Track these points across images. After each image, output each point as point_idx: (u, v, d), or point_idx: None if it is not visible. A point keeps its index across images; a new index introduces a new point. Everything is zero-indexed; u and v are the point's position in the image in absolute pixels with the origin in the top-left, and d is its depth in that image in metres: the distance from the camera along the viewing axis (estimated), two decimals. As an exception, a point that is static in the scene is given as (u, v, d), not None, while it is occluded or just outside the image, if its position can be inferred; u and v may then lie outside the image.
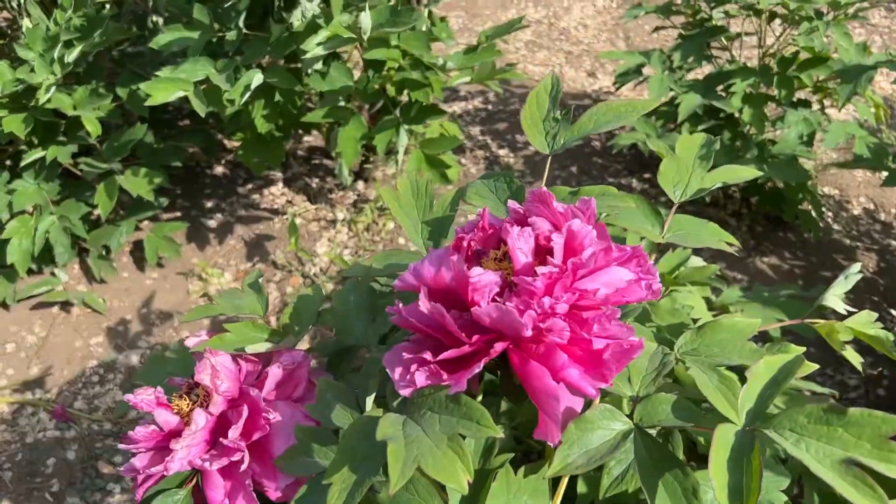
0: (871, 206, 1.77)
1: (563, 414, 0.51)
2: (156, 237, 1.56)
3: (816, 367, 0.59)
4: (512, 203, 0.56)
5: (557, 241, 0.50)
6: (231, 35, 1.19)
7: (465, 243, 0.54)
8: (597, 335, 0.49)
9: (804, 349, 0.60)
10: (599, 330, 0.49)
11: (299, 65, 1.24)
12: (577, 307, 0.51)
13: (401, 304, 0.52)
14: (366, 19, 1.03)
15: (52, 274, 1.53)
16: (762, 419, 0.48)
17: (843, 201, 1.79)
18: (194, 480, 0.63)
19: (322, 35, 1.06)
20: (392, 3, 1.25)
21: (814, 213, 1.60)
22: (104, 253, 1.55)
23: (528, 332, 0.47)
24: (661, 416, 0.52)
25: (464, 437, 0.47)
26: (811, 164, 1.78)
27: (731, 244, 0.69)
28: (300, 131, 1.74)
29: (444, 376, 0.49)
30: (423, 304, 0.50)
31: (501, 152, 1.96)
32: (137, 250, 1.62)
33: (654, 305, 0.97)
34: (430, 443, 0.47)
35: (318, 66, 1.26)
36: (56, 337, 1.46)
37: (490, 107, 2.16)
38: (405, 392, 0.50)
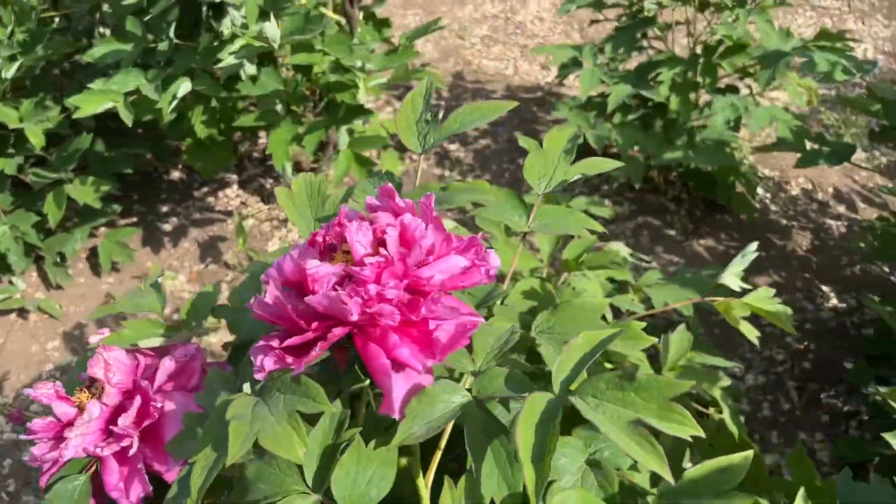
0: (809, 186, 1.82)
1: (411, 390, 0.57)
2: (109, 243, 1.61)
3: (652, 340, 0.64)
4: (370, 199, 0.61)
5: (391, 234, 0.55)
6: (163, 46, 1.24)
7: (319, 239, 0.59)
8: (426, 317, 0.54)
9: (644, 324, 0.65)
10: (427, 312, 0.54)
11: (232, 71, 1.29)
12: (416, 292, 0.56)
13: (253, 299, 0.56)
14: (271, 28, 1.08)
15: (10, 282, 1.58)
16: (580, 389, 0.53)
17: (782, 182, 1.84)
18: (94, 467, 0.68)
19: (237, 44, 1.11)
20: (326, 10, 1.30)
21: (748, 196, 1.65)
22: (59, 260, 1.59)
23: (355, 317, 0.52)
24: (496, 388, 0.57)
25: (303, 415, 0.52)
26: (748, 146, 1.83)
27: (594, 231, 0.74)
28: (250, 134, 1.78)
29: (289, 360, 0.54)
30: (269, 296, 0.55)
31: (452, 147, 2.01)
32: (94, 256, 1.67)
33: (560, 290, 1.03)
34: (272, 420, 0.52)
35: (252, 71, 1.31)
36: (13, 343, 1.51)
37: (442, 102, 2.21)
38: (258, 376, 0.55)
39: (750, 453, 0.59)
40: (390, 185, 0.59)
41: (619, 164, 0.76)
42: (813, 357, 1.42)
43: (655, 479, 0.63)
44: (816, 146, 1.34)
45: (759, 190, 1.79)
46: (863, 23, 2.62)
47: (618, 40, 1.58)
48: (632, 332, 0.65)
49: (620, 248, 1.28)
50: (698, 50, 1.61)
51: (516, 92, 2.27)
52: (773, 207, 1.75)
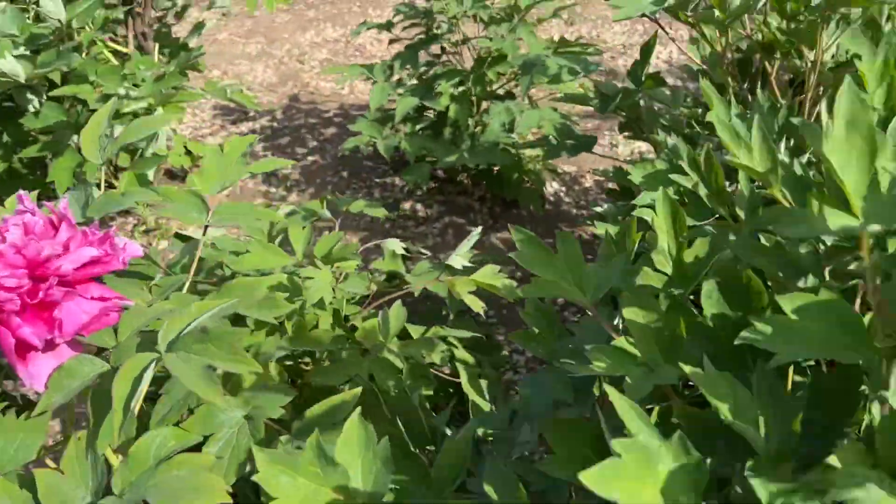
0: (602, 178, 2.01)
1: (58, 366, 0.66)
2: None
3: (289, 307, 0.75)
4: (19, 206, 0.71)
5: (13, 231, 0.65)
6: (-62, 85, 1.30)
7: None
8: (43, 300, 0.63)
9: (286, 294, 0.77)
10: (45, 296, 0.64)
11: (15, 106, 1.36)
12: (41, 278, 0.66)
13: None
14: (7, 64, 1.16)
15: None
16: (174, 346, 0.63)
17: (577, 176, 2.02)
18: None
19: (-16, 79, 1.19)
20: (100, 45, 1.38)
21: (538, 190, 1.82)
22: None
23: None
24: (129, 356, 0.67)
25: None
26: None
27: (265, 219, 0.85)
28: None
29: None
30: None
31: (280, 166, 2.11)
32: None
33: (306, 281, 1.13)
34: None
35: (36, 104, 1.38)
36: None
37: (276, 124, 2.31)
38: None
39: (358, 390, 0.71)
40: (23, 192, 0.69)
41: (287, 162, 0.88)
42: (587, 328, 1.58)
43: (288, 423, 0.74)
44: (567, 141, 1.51)
45: (555, 184, 1.97)
46: (671, 28, 2.89)
47: (404, 58, 1.73)
48: (275, 303, 0.76)
49: (394, 244, 1.41)
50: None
51: (349, 110, 2.39)
52: (566, 199, 1.93)
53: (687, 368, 0.49)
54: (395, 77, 1.79)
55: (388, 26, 1.79)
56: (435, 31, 1.81)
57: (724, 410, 0.47)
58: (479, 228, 1.19)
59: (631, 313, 0.59)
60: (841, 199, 0.48)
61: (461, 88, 1.69)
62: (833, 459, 0.46)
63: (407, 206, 1.92)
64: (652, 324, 0.58)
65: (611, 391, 0.46)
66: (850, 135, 0.47)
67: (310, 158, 2.14)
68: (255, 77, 2.59)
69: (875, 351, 0.48)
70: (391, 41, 1.93)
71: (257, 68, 2.64)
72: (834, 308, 0.49)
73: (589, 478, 0.39)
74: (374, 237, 1.84)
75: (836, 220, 0.47)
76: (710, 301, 0.55)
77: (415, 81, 1.80)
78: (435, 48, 1.87)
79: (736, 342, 0.49)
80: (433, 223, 1.86)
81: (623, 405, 0.45)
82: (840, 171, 0.47)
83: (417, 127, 1.69)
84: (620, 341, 0.58)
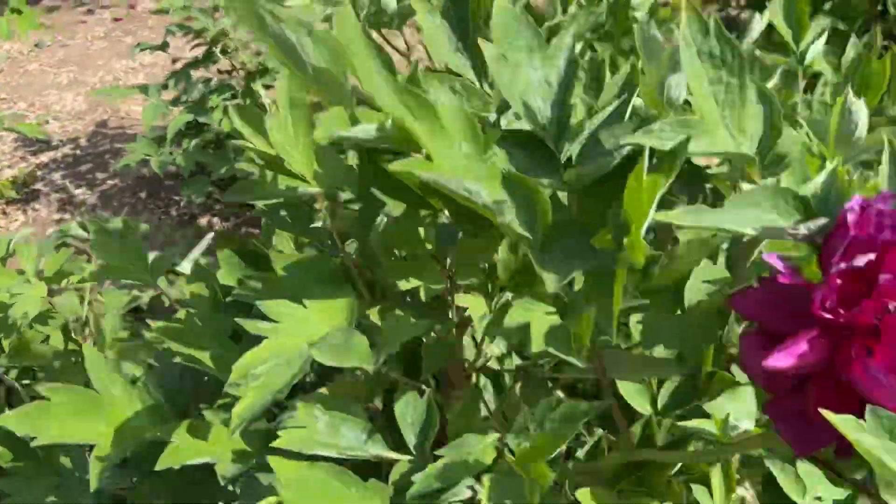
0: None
1: None
2: None
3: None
4: None
5: None
6: None
7: None
8: None
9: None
10: None
11: None
12: None
13: None
14: None
15: None
16: None
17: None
18: None
19: None
20: None
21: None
22: None
23: None
24: None
25: None
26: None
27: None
28: None
29: None
30: None
31: (79, 192, 2.09)
32: None
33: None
34: None
35: None
36: None
37: (79, 152, 2.29)
38: None
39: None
40: None
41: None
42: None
43: None
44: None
45: (352, 189, 2.05)
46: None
47: (178, 77, 1.77)
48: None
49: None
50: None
51: (158, 132, 2.39)
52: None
53: (154, 325, 0.56)
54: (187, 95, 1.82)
55: (164, 47, 1.82)
56: (214, 49, 1.86)
57: (206, 359, 0.55)
58: (212, 234, 1.25)
59: (194, 287, 0.66)
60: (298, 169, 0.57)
61: (235, 102, 1.74)
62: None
63: (204, 220, 1.95)
64: (207, 294, 0.65)
65: (91, 356, 0.52)
66: (293, 114, 0.56)
67: (109, 183, 2.13)
68: (65, 106, 2.55)
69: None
70: (174, 61, 1.96)
71: (67, 97, 2.60)
72: (316, 264, 0.58)
73: (10, 420, 0.45)
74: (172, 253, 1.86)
75: (289, 184, 0.56)
76: (229, 267, 0.63)
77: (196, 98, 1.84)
78: (227, 66, 1.92)
79: (227, 300, 0.57)
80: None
81: (95, 371, 0.52)
82: (286, 145, 0.56)
83: (193, 142, 1.74)
84: (182, 314, 0.65)
